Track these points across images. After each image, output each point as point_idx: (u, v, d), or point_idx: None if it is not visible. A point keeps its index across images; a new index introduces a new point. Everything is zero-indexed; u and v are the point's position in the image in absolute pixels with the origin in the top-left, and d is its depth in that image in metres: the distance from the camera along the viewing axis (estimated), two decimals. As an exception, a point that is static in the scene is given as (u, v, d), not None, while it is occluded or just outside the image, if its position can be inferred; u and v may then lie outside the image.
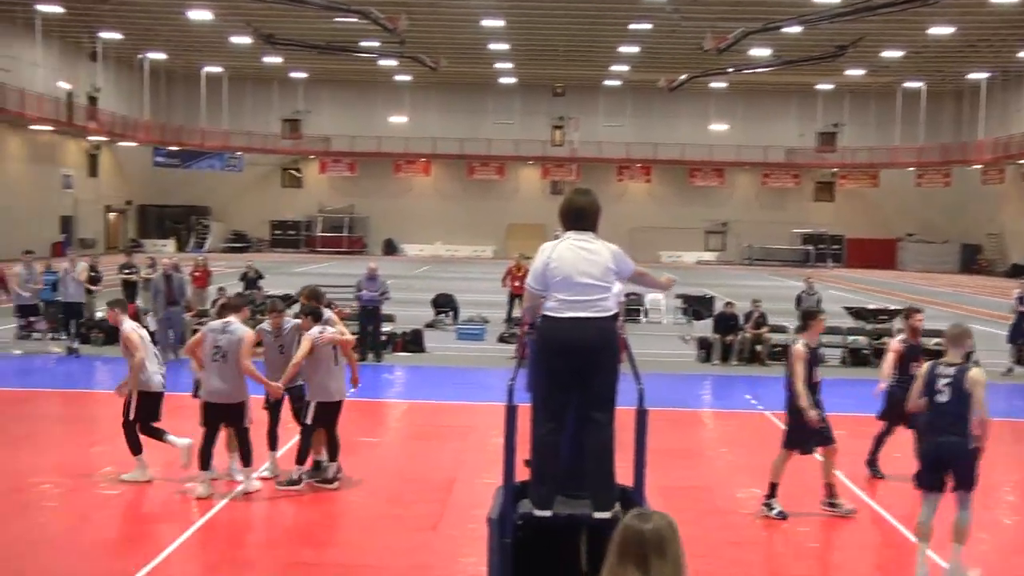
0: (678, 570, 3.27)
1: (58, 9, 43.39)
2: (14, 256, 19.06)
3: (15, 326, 19.30)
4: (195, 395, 9.90)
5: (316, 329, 9.66)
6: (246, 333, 9.46)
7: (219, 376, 9.35)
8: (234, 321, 9.55)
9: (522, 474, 5.51)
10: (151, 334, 18.82)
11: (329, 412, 9.70)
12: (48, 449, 11.59)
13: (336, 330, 9.87)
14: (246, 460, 9.58)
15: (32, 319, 19.54)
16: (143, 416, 9.89)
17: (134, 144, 59.41)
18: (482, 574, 5.67)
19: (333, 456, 9.82)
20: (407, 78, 61.55)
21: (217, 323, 9.65)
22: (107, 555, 7.91)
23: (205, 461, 9.38)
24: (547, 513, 5.36)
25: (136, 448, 9.93)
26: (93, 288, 20.00)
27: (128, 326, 10.08)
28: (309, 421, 9.61)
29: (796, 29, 40.55)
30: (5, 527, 8.59)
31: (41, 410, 14.10)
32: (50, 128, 50.29)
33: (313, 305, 10.03)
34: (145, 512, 9.29)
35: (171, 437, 10.01)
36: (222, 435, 9.80)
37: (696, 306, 24.08)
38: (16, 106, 46.23)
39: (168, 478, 9.93)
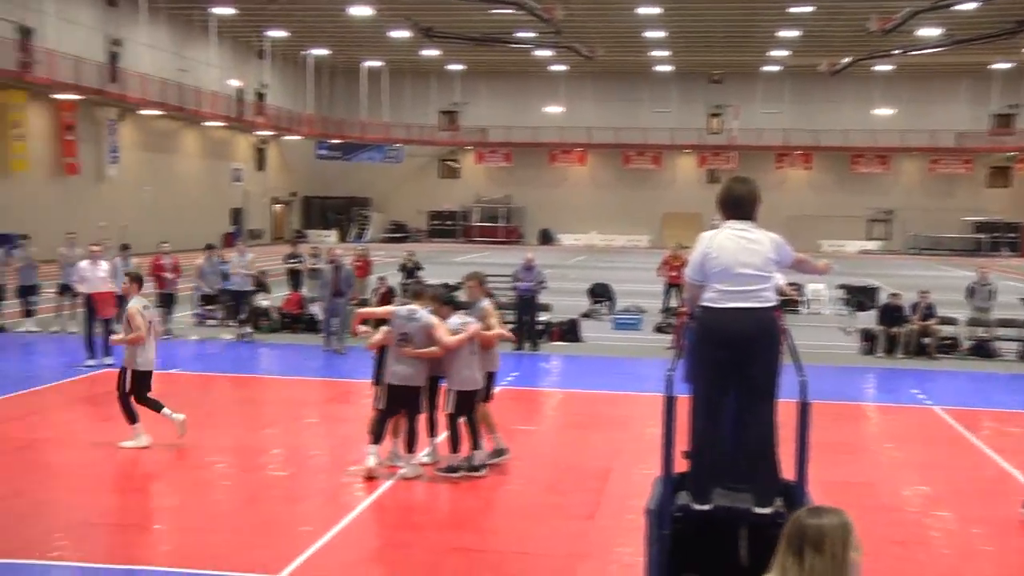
0: (838, 569, 3.25)
1: (230, 10, 45.30)
2: (191, 246, 19.99)
3: (191, 313, 20.27)
4: (376, 382, 10.20)
5: (456, 320, 9.75)
6: (432, 319, 9.73)
7: (403, 360, 9.63)
8: (419, 308, 9.82)
9: (680, 466, 5.48)
10: (316, 322, 19.67)
11: (469, 401, 9.82)
12: (223, 430, 12.16)
13: (479, 324, 9.99)
14: (410, 446, 9.83)
15: (209, 307, 20.53)
16: (137, 390, 10.71)
17: (298, 138, 61.52)
18: (639, 565, 5.67)
19: (476, 444, 9.93)
20: (563, 68, 61.62)
21: (403, 310, 9.92)
22: (275, 534, 8.24)
23: (378, 436, 9.77)
24: (706, 506, 5.32)
25: (131, 418, 10.74)
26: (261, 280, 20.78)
27: (135, 303, 10.81)
28: (453, 410, 9.75)
29: (970, 6, 38.66)
30: (185, 502, 9.07)
31: (216, 393, 14.81)
32: (222, 124, 52.64)
33: (449, 294, 10.12)
34: (311, 493, 9.63)
35: (167, 411, 10.78)
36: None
37: (859, 296, 23.36)
38: (192, 104, 48.59)
39: (332, 463, 10.26)
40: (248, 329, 19.27)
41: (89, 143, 42.97)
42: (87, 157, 42.70)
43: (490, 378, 10.24)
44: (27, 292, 19.62)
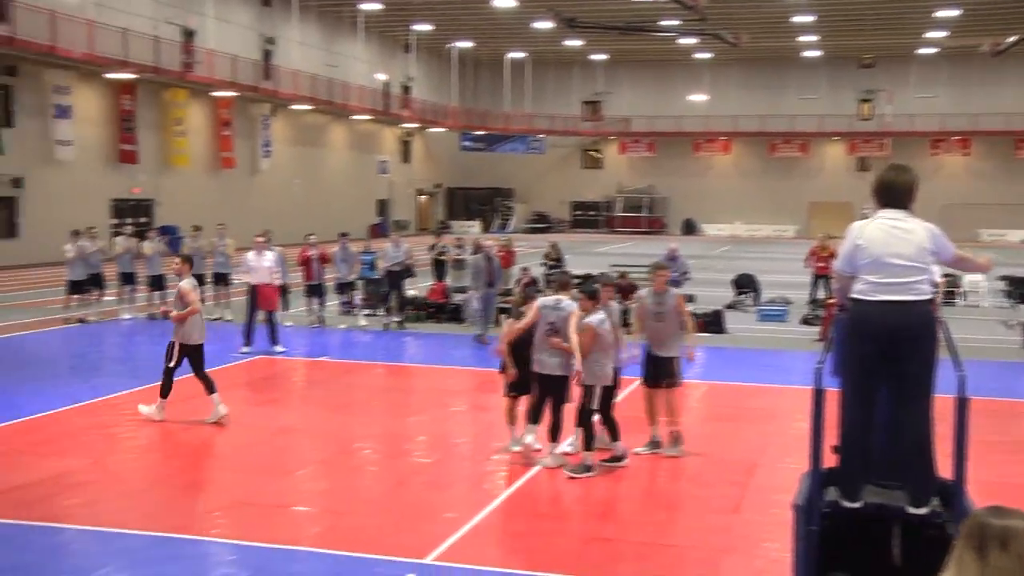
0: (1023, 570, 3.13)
1: (377, 6, 46.30)
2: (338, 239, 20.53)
3: (339, 302, 20.81)
4: (503, 371, 10.30)
5: (597, 318, 9.65)
6: (574, 309, 9.82)
7: (551, 350, 9.74)
8: (564, 298, 9.97)
9: (829, 461, 5.34)
10: (461, 311, 19.96)
11: (608, 395, 9.78)
12: (370, 417, 12.48)
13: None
14: (554, 435, 9.87)
15: (352, 295, 21.00)
16: (195, 364, 11.42)
17: (443, 130, 62.42)
18: (785, 561, 5.56)
19: (615, 436, 9.87)
20: (707, 56, 60.70)
21: (549, 300, 10.06)
22: (421, 519, 8.41)
23: (535, 418, 10.00)
24: (856, 504, 5.18)
25: (165, 392, 11.39)
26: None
27: (187, 282, 11.53)
28: (597, 406, 9.69)
29: None
30: (335, 486, 9.34)
31: (363, 380, 15.19)
32: (369, 117, 53.86)
33: (592, 286, 10.06)
34: (456, 480, 9.79)
35: (215, 396, 11.34)
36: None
37: (1021, 289, 22.30)
38: (341, 98, 49.87)
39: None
40: (396, 318, 19.69)
41: (244, 138, 44.63)
42: (242, 151, 44.37)
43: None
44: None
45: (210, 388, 11.45)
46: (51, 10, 31.54)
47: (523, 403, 10.18)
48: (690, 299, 20.13)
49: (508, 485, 9.34)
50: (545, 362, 9.79)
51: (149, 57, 36.16)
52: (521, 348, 10.07)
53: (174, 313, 11.49)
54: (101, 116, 36.41)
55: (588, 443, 9.65)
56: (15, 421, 11.47)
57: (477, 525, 8.25)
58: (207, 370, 11.60)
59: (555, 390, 9.79)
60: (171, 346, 11.53)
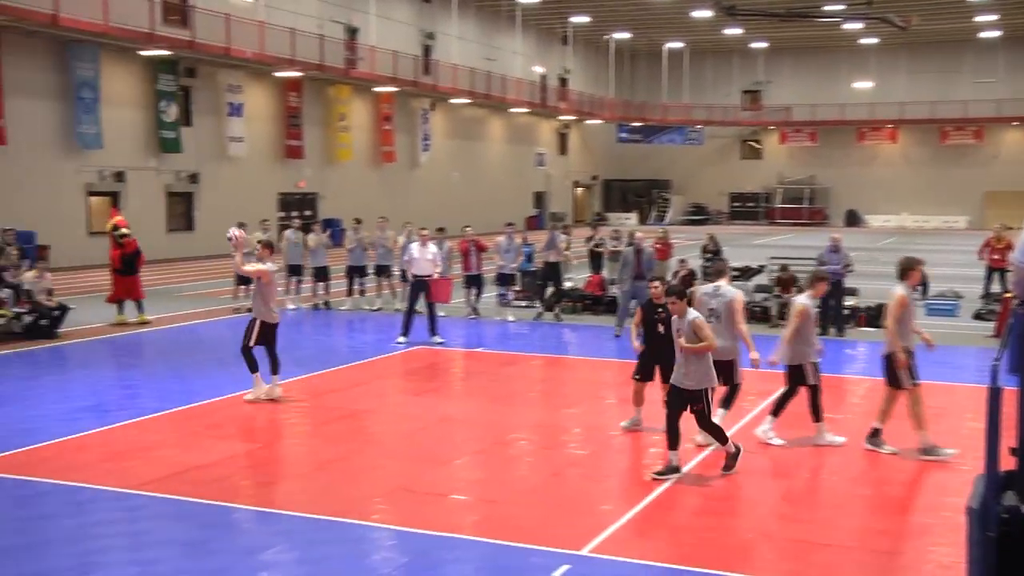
0: None
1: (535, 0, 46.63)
2: (495, 230, 20.73)
3: (496, 294, 21.02)
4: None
5: (694, 314, 9.33)
6: (736, 295, 10.01)
7: (717, 335, 9.71)
8: (723, 284, 10.19)
9: (1006, 463, 5.08)
10: (617, 303, 19.87)
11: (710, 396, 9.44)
12: (526, 408, 12.57)
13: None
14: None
15: (510, 288, 21.19)
16: (263, 342, 12.06)
17: (600, 121, 62.27)
18: (957, 567, 5.33)
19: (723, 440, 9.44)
20: (873, 41, 58.63)
21: (708, 287, 10.28)
22: (577, 511, 8.42)
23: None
24: (1037, 509, 4.89)
25: (253, 367, 12.04)
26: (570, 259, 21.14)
27: (268, 266, 12.21)
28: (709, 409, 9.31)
29: None
30: (491, 476, 9.44)
31: (520, 372, 15.31)
32: (526, 110, 54.21)
33: (679, 287, 9.70)
34: (612, 473, 9.76)
35: (276, 378, 12.12)
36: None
37: None
38: (499, 91, 50.39)
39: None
40: (551, 310, 19.77)
41: (404, 132, 45.62)
42: (402, 145, 45.37)
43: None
44: (356, 273, 21.08)
45: (275, 369, 12.24)
46: (226, 13, 32.95)
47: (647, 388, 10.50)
48: (853, 292, 19.54)
49: (666, 479, 9.25)
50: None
51: (315, 55, 37.36)
52: (655, 336, 10.22)
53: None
54: (269, 113, 37.84)
55: (723, 438, 9.32)
56: (191, 405, 12.06)
57: (634, 518, 8.21)
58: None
59: (724, 374, 9.90)
60: (251, 324, 12.24)
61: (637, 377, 10.72)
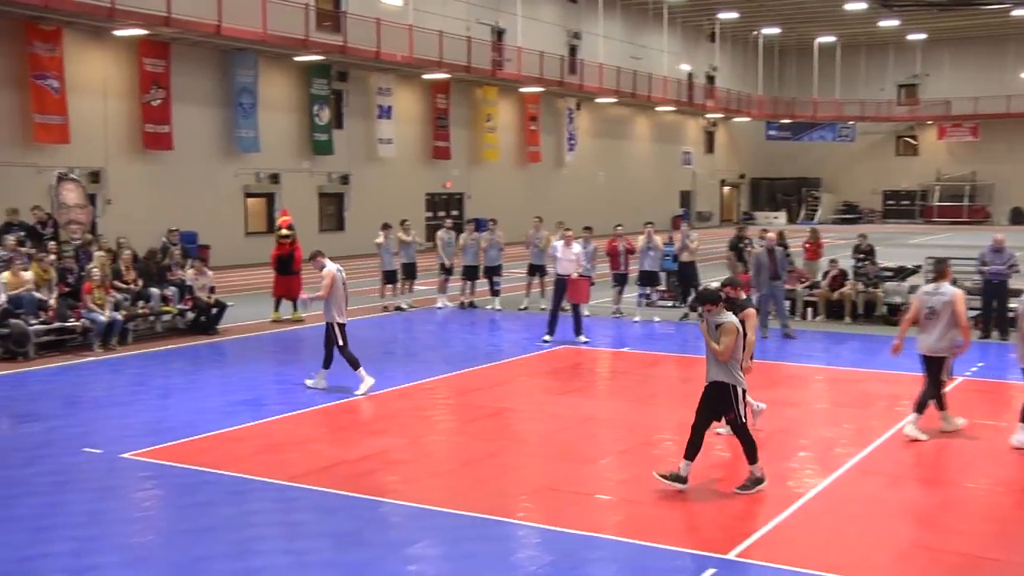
0: None
1: (682, -4, 46.20)
2: (640, 229, 20.56)
3: (638, 294, 20.86)
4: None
5: (729, 318, 8.89)
6: (957, 293, 10.50)
7: (931, 333, 10.46)
8: (944, 284, 10.67)
9: None
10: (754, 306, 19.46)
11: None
12: (671, 408, 12.43)
13: None
14: (920, 407, 10.45)
15: (654, 288, 21.00)
16: (346, 339, 12.66)
17: (747, 119, 61.18)
18: None
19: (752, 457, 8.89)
20: (1045, 27, 55.76)
21: (929, 287, 10.86)
22: (724, 513, 8.30)
23: (941, 402, 10.60)
24: None
25: (355, 364, 12.64)
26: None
27: (330, 267, 12.74)
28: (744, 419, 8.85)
29: None
30: (636, 476, 9.39)
31: (664, 372, 15.19)
32: (672, 108, 53.71)
33: (710, 291, 9.26)
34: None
35: (363, 371, 12.69)
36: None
37: None
38: (645, 90, 50.09)
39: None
40: (698, 310, 19.53)
41: (549, 132, 45.80)
42: (547, 145, 45.55)
43: None
44: (492, 272, 21.32)
45: (327, 364, 12.83)
46: (376, 18, 33.75)
47: None
48: (1017, 294, 18.59)
49: (815, 484, 9.03)
50: (929, 344, 10.50)
51: (462, 57, 37.88)
52: None
53: (317, 294, 12.90)
54: (418, 115, 38.56)
55: (753, 455, 8.81)
56: (342, 401, 12.40)
57: (782, 523, 8.03)
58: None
59: (932, 368, 10.48)
60: (329, 327, 12.79)
61: None
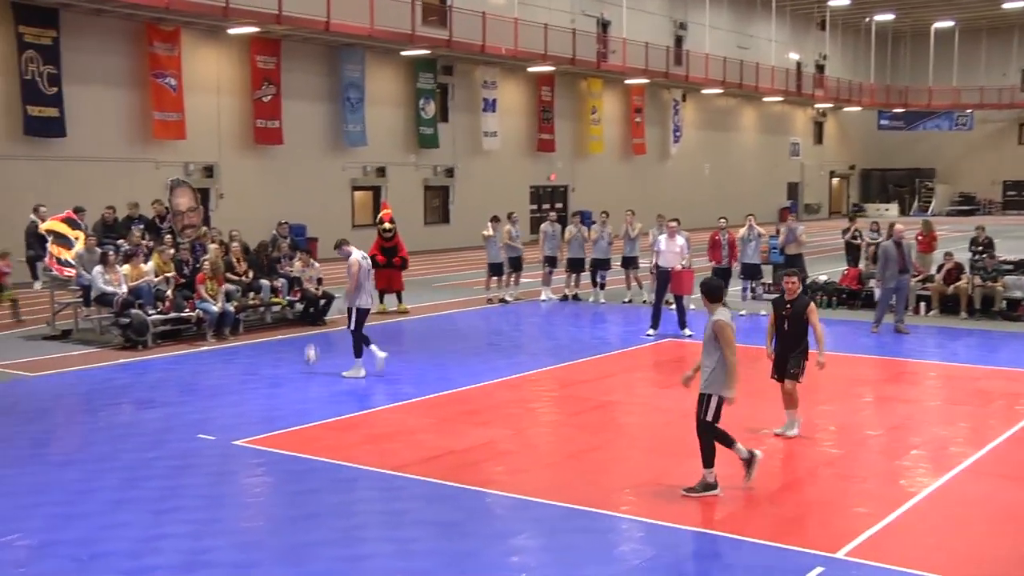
0: None
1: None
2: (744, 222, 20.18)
3: (740, 288, 20.45)
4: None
5: (723, 316, 8.59)
6: None
7: None
8: None
9: None
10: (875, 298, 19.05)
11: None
12: (778, 404, 12.21)
13: None
14: None
15: (753, 280, 20.60)
16: (359, 324, 13.12)
17: (858, 109, 59.71)
18: None
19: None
20: None
21: None
22: (831, 512, 8.14)
23: None
24: None
25: (359, 351, 13.21)
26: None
27: (355, 254, 13.16)
28: (710, 416, 8.51)
29: None
30: (743, 472, 9.26)
31: (769, 366, 14.90)
32: (780, 99, 52.73)
33: (713, 283, 8.91)
34: (868, 474, 9.31)
35: (374, 347, 13.21)
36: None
37: None
38: (752, 80, 49.28)
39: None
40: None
41: (654, 124, 45.45)
42: (652, 137, 45.22)
43: None
44: (599, 265, 21.23)
45: (358, 351, 13.29)
46: (482, 12, 33.94)
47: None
48: None
49: (928, 483, 8.78)
50: None
51: (567, 49, 37.83)
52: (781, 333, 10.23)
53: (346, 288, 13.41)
54: (522, 108, 38.66)
55: (709, 460, 8.51)
56: (448, 392, 12.53)
57: (893, 523, 7.83)
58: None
59: None
60: (350, 311, 13.23)
61: (775, 377, 10.52)
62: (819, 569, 6.86)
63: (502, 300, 20.97)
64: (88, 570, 6.93)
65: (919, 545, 7.54)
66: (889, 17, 55.82)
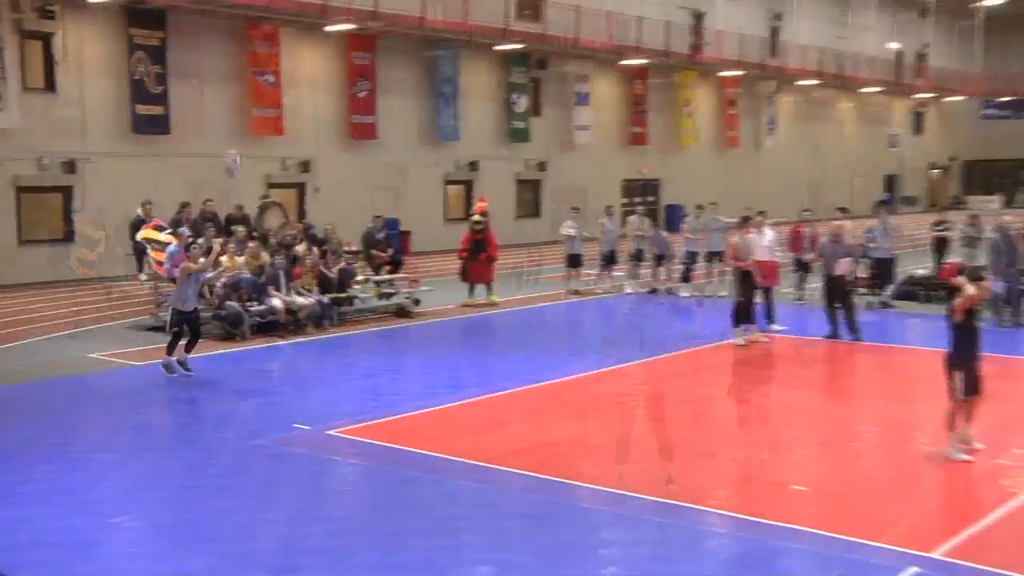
0: None
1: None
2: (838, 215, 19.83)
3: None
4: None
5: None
6: None
7: None
8: None
9: None
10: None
11: None
12: (869, 399, 12.06)
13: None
14: None
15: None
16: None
17: (960, 98, 57.99)
18: None
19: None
20: None
21: None
22: (928, 510, 8.03)
23: None
24: None
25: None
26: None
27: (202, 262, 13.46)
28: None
29: None
30: (834, 468, 9.17)
31: (861, 361, 14.71)
32: (878, 89, 51.53)
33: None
34: (967, 472, 9.10)
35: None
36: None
37: None
38: (850, 71, 48.28)
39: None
40: (887, 297, 18.91)
41: (748, 116, 44.84)
42: (746, 129, 44.63)
43: None
44: (691, 259, 21.18)
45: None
46: (576, 5, 33.92)
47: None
48: None
49: (1027, 485, 8.59)
50: None
51: (660, 42, 37.56)
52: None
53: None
54: (615, 101, 38.51)
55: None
56: (541, 384, 12.63)
57: (993, 523, 7.68)
58: None
59: None
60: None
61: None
62: (914, 569, 6.77)
63: (575, 292, 21.13)
64: (190, 552, 7.19)
65: (1019, 547, 7.39)
66: (998, 1, 53.84)
